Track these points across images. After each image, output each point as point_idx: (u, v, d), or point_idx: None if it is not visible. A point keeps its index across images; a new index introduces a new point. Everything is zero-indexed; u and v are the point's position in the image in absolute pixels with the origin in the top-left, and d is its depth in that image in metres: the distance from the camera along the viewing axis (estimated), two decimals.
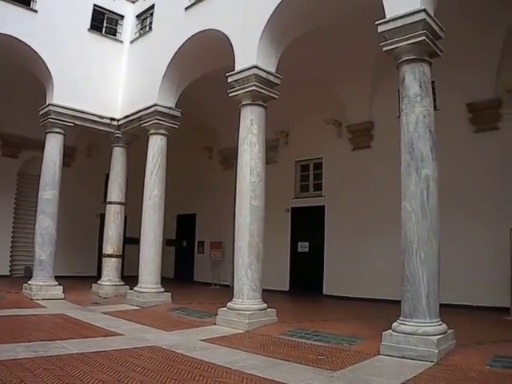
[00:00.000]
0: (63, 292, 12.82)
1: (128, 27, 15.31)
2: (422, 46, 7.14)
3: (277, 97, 10.30)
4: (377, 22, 7.52)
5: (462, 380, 5.27)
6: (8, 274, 17.22)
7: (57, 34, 13.40)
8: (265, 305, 9.47)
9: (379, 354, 6.54)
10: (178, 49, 12.40)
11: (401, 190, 7.08)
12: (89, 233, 19.14)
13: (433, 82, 7.57)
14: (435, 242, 6.75)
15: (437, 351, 6.08)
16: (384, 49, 7.50)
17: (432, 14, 7.23)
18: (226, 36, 10.77)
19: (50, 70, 13.23)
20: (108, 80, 14.51)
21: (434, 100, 8.32)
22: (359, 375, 5.53)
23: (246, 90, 9.94)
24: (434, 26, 7.22)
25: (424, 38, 7.02)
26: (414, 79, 7.14)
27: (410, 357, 6.18)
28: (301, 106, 15.34)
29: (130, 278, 14.86)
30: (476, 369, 5.73)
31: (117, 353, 6.53)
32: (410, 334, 6.37)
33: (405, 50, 7.23)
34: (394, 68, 7.69)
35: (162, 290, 12.53)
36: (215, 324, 9.36)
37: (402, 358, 6.23)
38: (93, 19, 14.59)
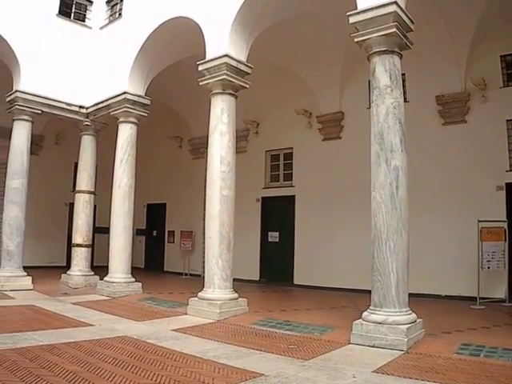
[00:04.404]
0: (32, 282, 12.64)
1: (97, 13, 14.97)
2: (393, 38, 7.18)
3: (247, 86, 10.26)
4: (348, 13, 7.52)
5: (431, 368, 5.36)
6: None
7: (24, 19, 13.05)
8: (236, 294, 9.49)
9: (350, 343, 6.62)
10: (148, 36, 12.22)
11: (371, 181, 7.14)
12: (58, 222, 18.86)
13: (403, 74, 7.63)
14: (404, 232, 6.83)
15: (406, 340, 6.19)
16: (355, 40, 7.52)
17: (403, 7, 7.27)
18: (197, 24, 10.68)
19: (17, 56, 12.91)
20: (77, 67, 14.18)
21: (404, 92, 8.42)
22: (330, 364, 5.59)
23: (216, 79, 9.88)
24: (404, 18, 7.26)
25: (395, 30, 7.05)
26: (384, 71, 7.19)
27: (380, 346, 6.28)
28: (272, 95, 15.36)
29: (99, 267, 14.74)
30: (444, 357, 5.85)
31: (87, 344, 6.48)
32: (380, 323, 6.46)
33: (375, 42, 7.26)
34: (364, 59, 7.73)
35: (133, 279, 12.45)
36: (186, 314, 9.37)
37: (373, 346, 6.33)
38: (61, 4, 14.23)
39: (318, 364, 5.60)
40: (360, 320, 6.78)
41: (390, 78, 7.14)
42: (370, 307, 6.83)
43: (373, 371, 5.26)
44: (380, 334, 6.37)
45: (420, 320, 6.90)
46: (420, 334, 6.78)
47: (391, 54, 7.25)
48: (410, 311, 6.76)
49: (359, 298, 10.59)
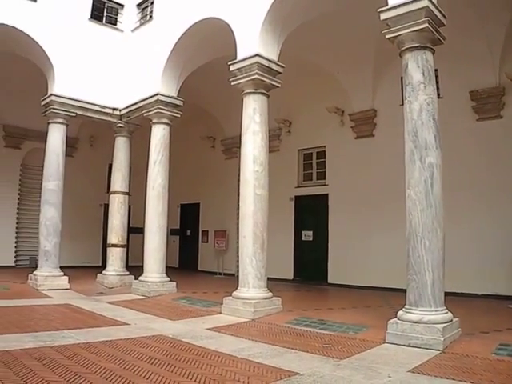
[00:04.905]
0: (68, 282, 12.89)
1: (128, 16, 15.23)
2: (425, 33, 7.10)
3: (279, 85, 10.26)
4: (379, 10, 7.47)
5: (468, 368, 5.28)
6: (13, 264, 17.31)
7: (57, 24, 13.35)
8: (270, 293, 9.50)
9: (385, 343, 6.57)
10: (180, 37, 12.34)
11: (405, 178, 7.07)
12: (93, 223, 19.25)
13: (436, 70, 7.53)
14: (440, 230, 6.75)
15: (442, 339, 6.11)
16: (387, 36, 7.46)
17: (435, 1, 7.17)
18: (228, 24, 10.73)
19: (51, 60, 13.19)
20: (109, 69, 14.44)
21: (438, 88, 8.30)
22: (365, 363, 5.56)
23: (248, 79, 9.92)
24: (436, 13, 7.17)
25: (427, 25, 6.97)
26: (417, 67, 7.11)
27: (416, 345, 6.22)
28: (303, 94, 15.33)
29: (134, 267, 14.91)
30: (482, 357, 5.74)
31: (123, 342, 6.58)
32: (415, 322, 6.40)
33: (408, 38, 7.19)
34: (396, 55, 7.66)
35: (167, 279, 12.57)
36: (220, 313, 9.42)
37: (408, 346, 6.26)
38: (93, 8, 14.54)
39: (353, 363, 5.58)
40: (395, 319, 6.73)
41: (423, 74, 7.06)
42: (406, 306, 6.76)
43: (408, 371, 5.21)
44: (416, 334, 6.30)
45: (456, 319, 6.81)
46: (456, 334, 6.69)
47: (423, 49, 7.16)
48: (446, 310, 6.67)
49: (393, 297, 10.51)
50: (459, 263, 10.64)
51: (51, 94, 13.30)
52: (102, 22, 14.89)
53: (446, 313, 6.62)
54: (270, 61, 9.98)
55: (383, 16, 7.44)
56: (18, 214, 17.71)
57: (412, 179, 6.91)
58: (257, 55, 9.76)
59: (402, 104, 7.48)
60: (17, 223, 17.65)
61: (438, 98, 7.53)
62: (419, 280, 6.60)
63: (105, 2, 15.01)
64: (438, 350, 6.02)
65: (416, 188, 6.83)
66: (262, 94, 10.02)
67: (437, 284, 6.57)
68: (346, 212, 14.38)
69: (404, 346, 6.31)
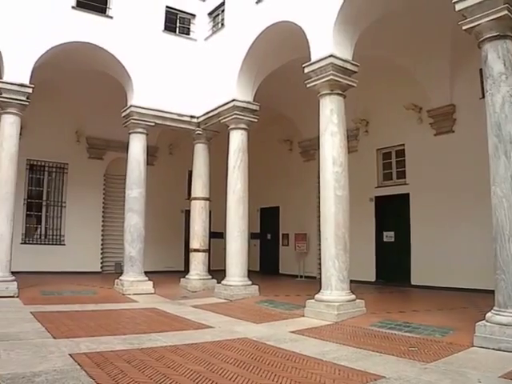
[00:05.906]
0: (153, 287, 13.25)
1: (200, 25, 15.60)
2: (505, 21, 6.75)
3: (355, 85, 10.14)
4: (454, 0, 7.23)
5: None
6: (99, 270, 18.06)
7: (133, 38, 13.87)
8: (353, 296, 9.40)
9: (473, 346, 6.33)
10: (252, 43, 12.49)
11: (489, 175, 6.80)
12: (175, 229, 19.75)
13: None
14: None
15: None
16: (463, 27, 7.18)
17: None
18: (300, 27, 10.71)
19: (129, 73, 13.70)
20: (185, 78, 14.80)
21: None
22: (454, 367, 5.39)
23: (323, 80, 9.86)
24: None
25: (506, 12, 6.63)
26: (497, 57, 6.81)
27: (507, 349, 5.93)
28: (379, 92, 15.10)
29: (216, 271, 15.15)
30: None
31: (209, 345, 6.69)
32: (505, 324, 6.11)
33: (486, 27, 6.89)
34: (473, 47, 7.40)
35: (249, 282, 12.66)
36: (303, 316, 9.39)
37: (498, 350, 5.99)
38: (166, 20, 15.01)
39: (441, 367, 5.42)
40: (483, 321, 6.46)
41: (504, 65, 6.76)
42: (494, 308, 6.48)
43: (500, 376, 5.00)
44: (506, 337, 6.02)
45: None
46: None
47: (503, 38, 6.82)
48: None
49: (479, 298, 10.19)
50: None
51: (131, 106, 13.77)
52: (175, 32, 15.35)
53: None
54: (344, 61, 9.88)
55: (458, 6, 7.18)
56: (103, 221, 18.49)
57: (497, 175, 6.63)
58: (331, 56, 9.70)
59: (483, 97, 7.26)
60: (102, 230, 18.42)
61: None
62: (508, 280, 6.31)
63: (177, 14, 15.43)
64: None
65: (502, 184, 6.55)
66: (338, 94, 9.93)
67: None
68: (428, 211, 14.01)
69: (493, 349, 6.05)
